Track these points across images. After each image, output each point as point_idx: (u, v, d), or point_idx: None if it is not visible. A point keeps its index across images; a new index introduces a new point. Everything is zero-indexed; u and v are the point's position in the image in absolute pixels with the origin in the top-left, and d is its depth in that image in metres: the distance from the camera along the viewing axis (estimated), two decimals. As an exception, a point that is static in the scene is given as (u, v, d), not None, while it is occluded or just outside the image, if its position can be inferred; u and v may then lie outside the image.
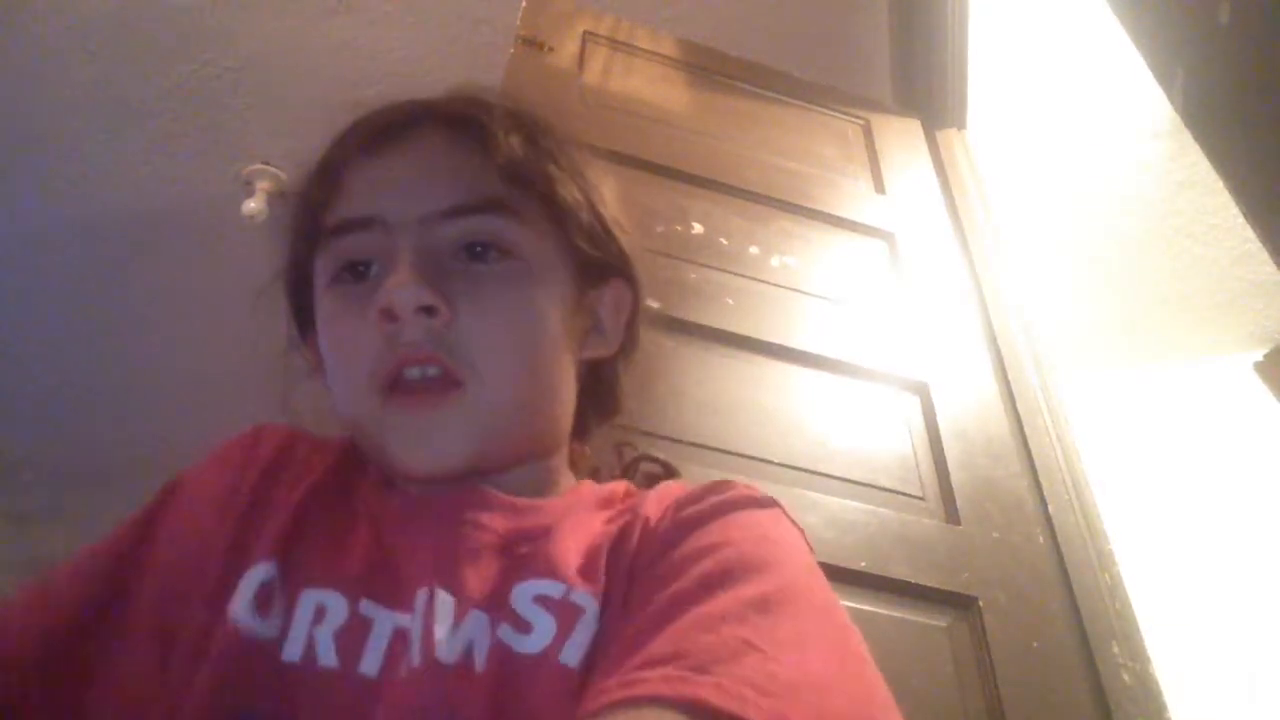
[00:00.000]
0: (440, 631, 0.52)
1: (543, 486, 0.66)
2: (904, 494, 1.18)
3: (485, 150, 0.65)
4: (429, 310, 0.58)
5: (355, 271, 0.63)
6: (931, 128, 1.86)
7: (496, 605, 0.54)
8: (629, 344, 0.76)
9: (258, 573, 0.55)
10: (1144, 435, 2.44)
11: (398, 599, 0.55)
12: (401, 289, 0.57)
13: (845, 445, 1.20)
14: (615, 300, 0.74)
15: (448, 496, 0.61)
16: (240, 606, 0.53)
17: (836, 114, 1.76)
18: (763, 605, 0.47)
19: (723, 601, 0.47)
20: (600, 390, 0.75)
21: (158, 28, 2.17)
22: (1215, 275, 2.39)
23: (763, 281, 1.35)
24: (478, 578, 0.55)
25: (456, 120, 0.67)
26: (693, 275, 1.30)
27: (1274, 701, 2.00)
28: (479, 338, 0.60)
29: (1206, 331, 2.53)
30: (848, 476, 1.16)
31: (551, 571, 0.55)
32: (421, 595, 0.54)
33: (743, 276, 1.34)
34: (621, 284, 0.74)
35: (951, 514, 1.18)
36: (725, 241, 1.37)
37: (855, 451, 1.20)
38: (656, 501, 0.60)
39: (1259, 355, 2.47)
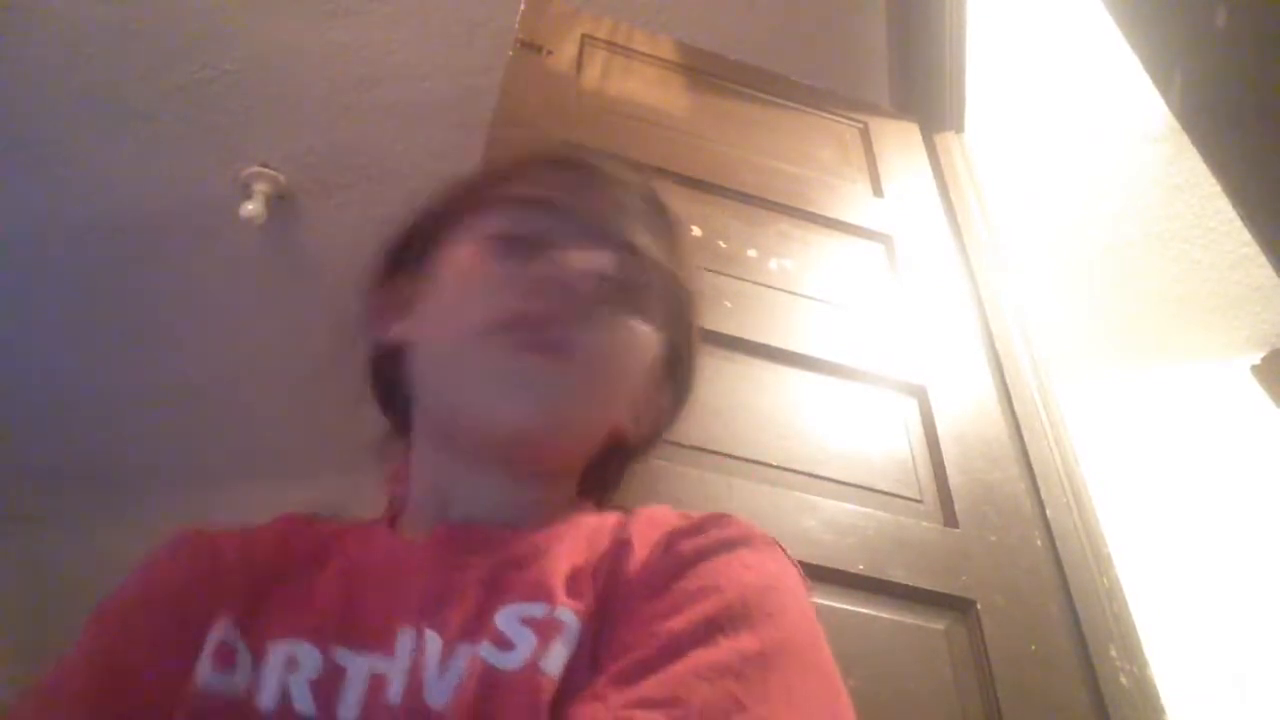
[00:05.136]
0: (428, 672, 0.52)
1: (546, 508, 0.67)
2: (902, 497, 1.18)
3: (662, 229, 0.73)
4: (600, 279, 0.64)
5: (511, 243, 0.66)
6: (929, 131, 1.87)
7: (479, 628, 0.54)
8: (644, 441, 0.78)
9: (215, 633, 0.56)
10: (1142, 438, 2.44)
11: (373, 642, 0.55)
12: (589, 259, 0.64)
13: (843, 448, 1.20)
14: (662, 401, 0.78)
15: (433, 539, 0.62)
16: (202, 667, 0.54)
17: (834, 117, 1.76)
18: (760, 661, 0.48)
19: (723, 651, 0.48)
20: (607, 463, 0.77)
21: (157, 31, 2.17)
22: (1213, 278, 2.39)
23: (761, 284, 1.35)
24: (462, 614, 0.56)
25: (639, 189, 0.76)
26: (691, 278, 1.30)
27: (1270, 704, 2.00)
28: (597, 336, 0.65)
29: (1204, 335, 2.53)
30: (846, 479, 1.16)
31: (534, 592, 0.56)
32: (406, 636, 0.54)
33: (741, 279, 1.34)
34: (672, 394, 0.78)
35: (949, 517, 1.18)
36: (723, 244, 1.37)
37: (853, 454, 1.20)
38: (648, 524, 0.61)
39: (1256, 358, 2.48)
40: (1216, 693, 2.01)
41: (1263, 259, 0.70)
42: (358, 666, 0.54)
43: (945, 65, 1.91)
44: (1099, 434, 2.14)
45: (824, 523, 1.09)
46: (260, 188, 2.41)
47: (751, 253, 1.39)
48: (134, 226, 2.51)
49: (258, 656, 0.55)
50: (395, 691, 0.52)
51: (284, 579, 0.61)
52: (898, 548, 1.11)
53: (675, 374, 0.78)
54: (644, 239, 0.70)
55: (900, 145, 1.78)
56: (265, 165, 2.41)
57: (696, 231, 1.37)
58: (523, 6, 1.61)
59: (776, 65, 1.82)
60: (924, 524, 1.16)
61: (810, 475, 1.15)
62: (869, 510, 1.13)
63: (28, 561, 2.96)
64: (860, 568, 1.07)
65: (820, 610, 1.01)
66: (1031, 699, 1.03)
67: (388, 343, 0.71)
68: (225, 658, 0.54)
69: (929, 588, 1.09)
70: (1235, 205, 0.72)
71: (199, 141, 2.36)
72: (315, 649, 0.55)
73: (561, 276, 0.63)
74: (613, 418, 0.71)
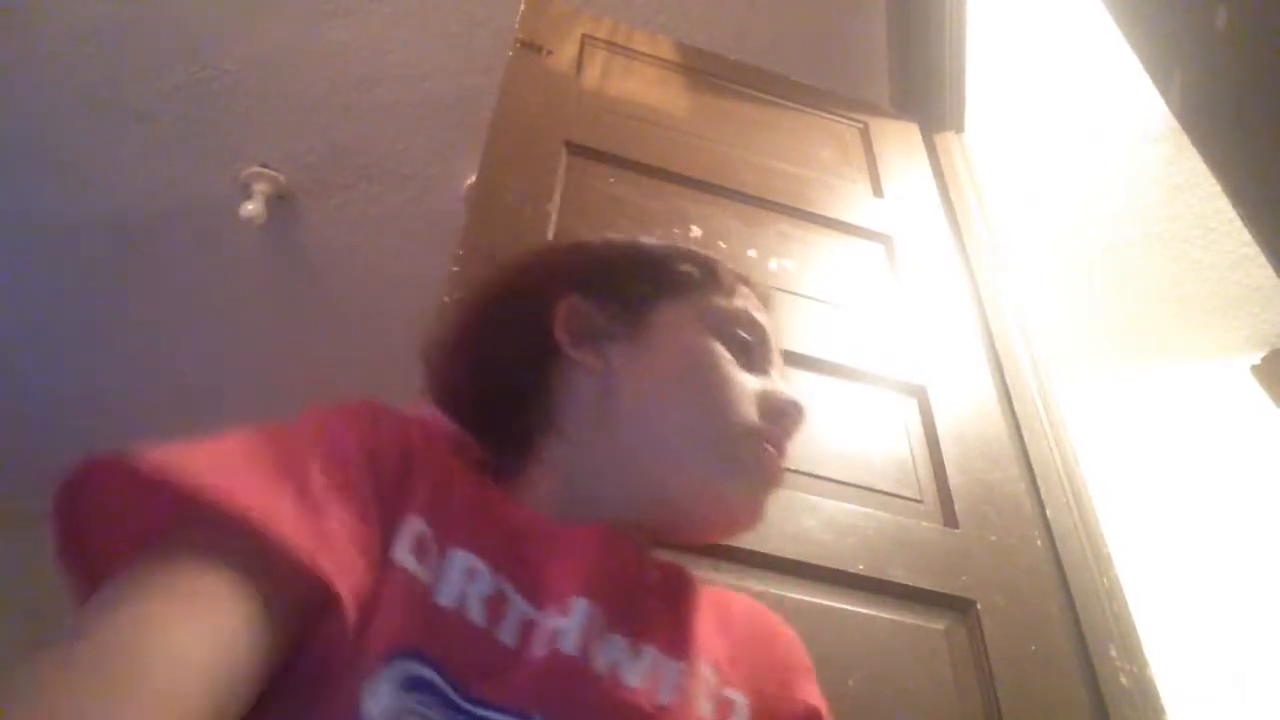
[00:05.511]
0: (619, 652, 0.60)
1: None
2: (902, 497, 1.18)
3: None
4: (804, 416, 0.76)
5: (743, 353, 0.75)
6: (929, 131, 1.87)
7: (673, 648, 0.63)
8: None
9: (414, 524, 0.58)
10: (1142, 438, 2.44)
11: (534, 592, 0.60)
12: (800, 398, 0.74)
13: (843, 448, 1.20)
14: None
15: (594, 529, 0.66)
16: (402, 551, 0.56)
17: (834, 117, 1.76)
18: None
19: None
20: None
21: (157, 31, 2.17)
22: (1213, 279, 2.39)
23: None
24: (648, 623, 0.63)
25: None
26: (691, 278, 1.30)
27: (1270, 704, 2.00)
28: None
29: (1204, 335, 2.53)
30: (846, 480, 1.16)
31: (706, 653, 0.66)
32: (580, 604, 0.59)
33: (741, 279, 1.34)
34: None
35: (949, 517, 1.18)
36: (724, 245, 1.37)
37: (853, 454, 1.20)
38: (753, 614, 0.78)
39: (1256, 358, 2.48)
40: (1216, 693, 2.01)
41: (1263, 259, 0.70)
42: (518, 605, 0.59)
43: (945, 65, 1.91)
44: (1099, 434, 2.14)
45: (824, 523, 1.09)
46: (260, 188, 2.41)
47: (751, 253, 1.39)
48: (134, 226, 2.52)
49: (441, 557, 0.58)
50: (571, 644, 0.57)
51: (452, 488, 0.63)
52: (898, 548, 1.11)
53: None
54: None
55: (900, 145, 1.78)
56: (265, 165, 2.41)
57: (697, 231, 1.37)
58: (523, 6, 1.61)
59: (776, 65, 1.82)
60: (924, 524, 1.16)
61: (810, 475, 1.14)
62: (869, 510, 1.13)
63: (27, 562, 2.96)
64: (860, 568, 1.07)
65: (820, 610, 1.02)
66: (1031, 699, 1.03)
67: (567, 353, 0.74)
68: (422, 547, 0.57)
69: (929, 588, 1.09)
70: (1235, 205, 0.72)
71: (199, 141, 2.37)
72: (490, 570, 0.59)
73: (796, 408, 0.73)
74: None
